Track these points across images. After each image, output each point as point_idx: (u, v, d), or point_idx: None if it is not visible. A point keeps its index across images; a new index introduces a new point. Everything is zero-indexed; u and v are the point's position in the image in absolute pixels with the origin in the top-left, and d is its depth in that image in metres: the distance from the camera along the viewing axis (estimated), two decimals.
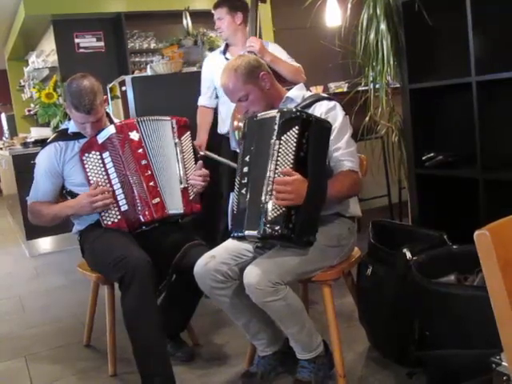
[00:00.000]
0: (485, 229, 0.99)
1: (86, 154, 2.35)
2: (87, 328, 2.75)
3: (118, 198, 2.34)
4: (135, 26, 6.79)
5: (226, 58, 3.18)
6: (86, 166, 2.35)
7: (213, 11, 3.22)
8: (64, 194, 2.45)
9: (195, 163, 2.48)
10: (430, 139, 2.85)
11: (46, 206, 2.39)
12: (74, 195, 2.39)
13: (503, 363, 1.15)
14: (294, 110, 1.90)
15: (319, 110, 2.07)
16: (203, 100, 3.32)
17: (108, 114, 2.50)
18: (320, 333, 2.13)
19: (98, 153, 2.35)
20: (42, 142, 4.55)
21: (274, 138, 1.86)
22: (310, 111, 2.05)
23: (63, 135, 2.46)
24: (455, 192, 2.82)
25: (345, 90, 5.06)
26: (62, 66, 6.53)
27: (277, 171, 1.85)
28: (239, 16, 3.16)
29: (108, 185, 2.34)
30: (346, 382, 2.06)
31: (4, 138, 8.02)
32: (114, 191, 2.34)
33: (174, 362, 2.20)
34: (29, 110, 8.49)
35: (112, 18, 6.71)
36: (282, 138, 1.85)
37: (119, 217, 2.34)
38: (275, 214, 1.84)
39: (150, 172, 2.37)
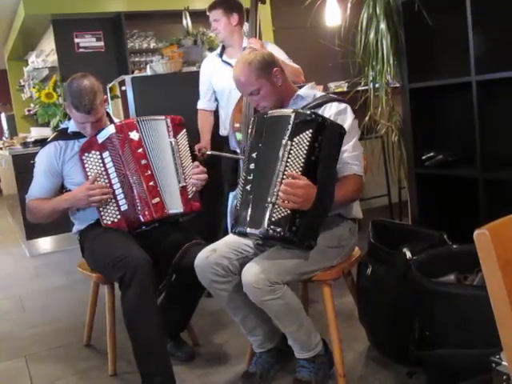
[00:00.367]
0: (484, 228, 0.99)
1: (86, 154, 2.35)
2: (87, 328, 2.75)
3: (118, 198, 2.34)
4: (135, 25, 6.79)
5: (223, 61, 3.18)
6: (86, 165, 2.35)
7: (208, 13, 3.20)
8: (63, 192, 2.45)
9: (192, 161, 2.48)
10: (429, 139, 2.85)
11: (42, 202, 2.39)
12: None
13: (503, 363, 1.15)
14: (309, 112, 1.87)
15: (329, 111, 2.05)
16: (202, 103, 3.32)
17: (108, 114, 2.51)
18: (320, 332, 2.13)
19: (97, 152, 2.35)
20: (41, 142, 4.54)
21: (286, 138, 1.84)
22: (319, 111, 2.03)
23: (63, 134, 2.47)
24: (455, 191, 2.82)
25: (345, 89, 5.07)
26: (61, 66, 6.53)
27: (285, 173, 1.83)
28: (235, 17, 3.15)
29: (108, 184, 2.34)
30: (346, 382, 2.07)
31: (4, 138, 8.02)
32: (113, 191, 2.34)
33: (173, 362, 2.20)
34: (29, 110, 8.48)
35: (112, 17, 6.71)
36: (295, 139, 1.83)
37: (119, 216, 2.35)
38: (280, 216, 1.83)
39: (149, 172, 2.37)
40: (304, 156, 1.82)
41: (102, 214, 2.34)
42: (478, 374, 1.53)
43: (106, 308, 2.40)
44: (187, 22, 5.78)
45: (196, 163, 2.47)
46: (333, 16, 4.90)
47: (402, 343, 2.11)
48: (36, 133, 5.52)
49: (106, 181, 2.35)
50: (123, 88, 3.76)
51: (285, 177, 1.83)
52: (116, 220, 2.35)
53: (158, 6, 6.55)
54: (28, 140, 5.25)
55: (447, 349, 1.83)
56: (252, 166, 1.95)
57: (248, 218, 1.91)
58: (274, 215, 1.83)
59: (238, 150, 2.78)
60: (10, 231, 6.30)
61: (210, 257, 2.02)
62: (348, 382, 2.08)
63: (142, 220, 2.34)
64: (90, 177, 2.33)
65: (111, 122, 2.46)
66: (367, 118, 3.03)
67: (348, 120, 2.05)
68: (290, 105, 2.15)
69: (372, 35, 2.78)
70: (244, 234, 1.96)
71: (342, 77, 5.33)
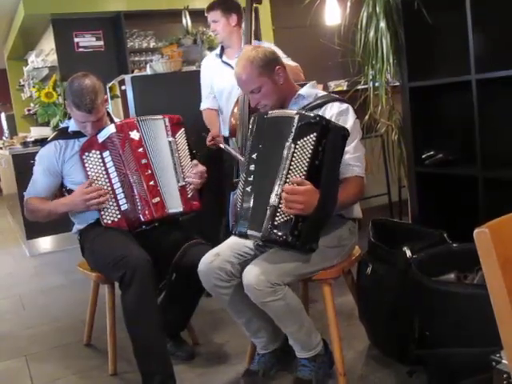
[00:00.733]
0: (484, 227, 0.99)
1: (86, 153, 2.35)
2: (87, 327, 2.75)
3: (118, 198, 2.35)
4: (135, 25, 6.79)
5: (223, 61, 3.17)
6: (86, 164, 2.35)
7: (206, 14, 3.18)
8: (63, 192, 2.45)
9: (191, 160, 2.47)
10: (429, 137, 2.85)
11: (41, 202, 2.39)
12: None
13: (503, 361, 1.15)
14: (313, 114, 1.85)
15: (330, 111, 2.04)
16: (207, 103, 3.29)
17: (109, 114, 2.51)
18: (320, 331, 2.13)
19: (98, 152, 2.35)
20: (41, 142, 4.54)
21: (290, 140, 1.82)
22: (320, 112, 2.02)
23: (63, 134, 2.47)
24: (455, 190, 2.82)
25: (344, 88, 5.06)
26: (61, 66, 6.52)
27: (288, 176, 1.81)
28: (234, 18, 3.13)
29: (108, 184, 2.34)
30: (346, 381, 2.07)
31: (4, 138, 8.02)
32: (114, 190, 2.34)
33: (174, 361, 2.20)
34: (28, 110, 8.48)
35: (111, 17, 6.70)
36: (299, 142, 1.81)
37: (119, 216, 2.35)
38: (282, 220, 1.82)
39: (150, 171, 2.37)
40: (308, 160, 1.80)
41: (102, 213, 2.34)
42: (479, 373, 1.54)
43: (106, 307, 2.40)
44: (187, 21, 5.78)
45: (195, 162, 2.47)
46: (332, 15, 4.90)
47: (402, 342, 2.11)
48: (36, 132, 5.52)
49: (107, 180, 2.35)
50: (123, 87, 3.75)
51: (288, 180, 1.81)
52: (116, 219, 2.35)
53: (158, 6, 6.55)
54: (28, 140, 5.25)
55: (447, 347, 1.83)
56: (252, 167, 1.94)
57: (249, 220, 1.91)
58: (277, 219, 1.82)
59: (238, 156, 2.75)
60: (10, 231, 6.30)
61: (213, 262, 2.01)
62: (348, 381, 2.08)
63: (142, 219, 2.34)
64: (90, 176, 2.33)
65: (111, 121, 2.46)
66: (367, 117, 3.03)
67: (350, 121, 2.03)
68: (291, 104, 2.13)
69: (372, 34, 2.78)
70: (245, 236, 1.96)
71: (341, 76, 5.33)
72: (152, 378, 2.10)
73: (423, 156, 2.81)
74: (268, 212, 1.83)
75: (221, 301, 2.10)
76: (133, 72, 6.14)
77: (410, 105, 2.82)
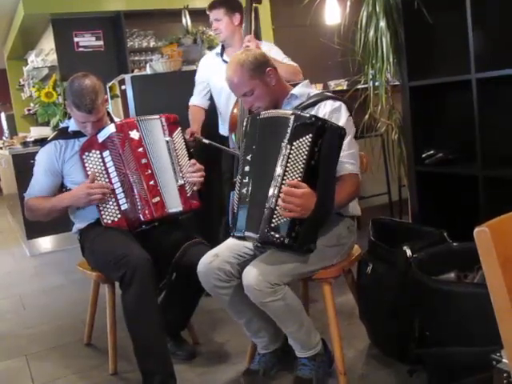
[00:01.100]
0: (484, 226, 0.99)
1: (86, 153, 2.35)
2: (88, 327, 2.75)
3: (118, 197, 2.35)
4: (134, 24, 6.78)
5: (224, 60, 3.17)
6: (86, 164, 2.35)
7: (208, 12, 3.17)
8: (64, 192, 2.45)
9: (189, 159, 2.47)
10: (429, 137, 2.85)
11: (42, 200, 2.39)
12: None
13: (503, 360, 1.15)
14: (308, 115, 1.84)
15: (323, 109, 2.04)
16: (196, 100, 3.29)
17: (109, 113, 2.51)
18: (321, 330, 2.13)
19: (98, 152, 2.35)
20: (41, 142, 4.54)
21: (286, 141, 1.82)
22: (314, 110, 2.03)
23: (63, 134, 2.47)
24: (455, 189, 2.82)
25: (344, 87, 5.06)
26: (61, 65, 6.52)
27: (285, 177, 1.81)
28: (237, 17, 3.13)
29: (108, 183, 2.34)
30: (346, 380, 2.07)
31: (4, 138, 8.02)
32: (114, 190, 2.34)
33: (174, 361, 2.20)
34: (28, 110, 8.48)
35: (111, 16, 6.70)
36: (294, 143, 1.80)
37: (119, 216, 2.35)
38: (279, 222, 1.82)
39: (150, 171, 2.37)
40: (304, 161, 1.80)
41: (103, 213, 2.34)
42: (479, 372, 1.54)
43: (106, 307, 2.40)
44: (187, 20, 5.78)
45: (193, 161, 2.46)
46: (332, 14, 4.90)
47: (402, 341, 2.11)
48: (36, 132, 5.52)
49: (107, 180, 2.35)
50: (123, 87, 3.75)
51: (284, 182, 1.81)
52: (116, 219, 2.35)
53: (158, 5, 6.55)
54: (28, 139, 5.26)
55: (448, 347, 1.83)
56: (247, 168, 1.95)
57: (245, 222, 1.91)
58: (274, 220, 1.82)
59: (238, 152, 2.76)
60: (11, 231, 6.31)
61: (212, 262, 2.02)
62: (349, 380, 2.08)
63: (142, 219, 2.34)
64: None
65: (112, 121, 2.46)
66: (367, 117, 3.02)
67: (342, 118, 2.03)
68: (284, 104, 2.13)
69: (372, 33, 2.77)
70: (242, 238, 1.96)
71: (341, 75, 5.33)
72: (152, 377, 2.10)
73: (423, 155, 2.81)
74: (265, 214, 1.83)
75: (221, 301, 2.10)
76: (133, 71, 6.15)
77: (410, 104, 2.82)
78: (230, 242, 2.11)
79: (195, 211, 2.48)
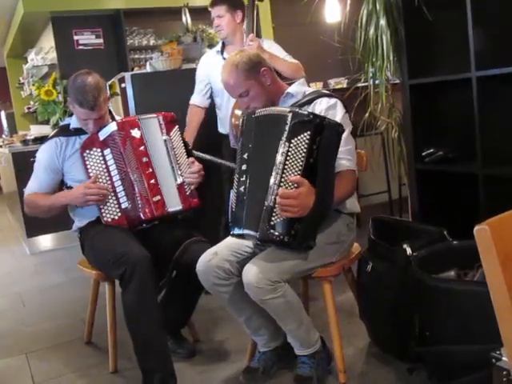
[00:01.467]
0: (484, 224, 0.99)
1: (87, 151, 2.35)
2: (88, 325, 2.75)
3: (119, 195, 2.34)
4: (134, 22, 6.78)
5: (224, 58, 3.16)
6: (87, 162, 2.35)
7: (210, 9, 3.15)
8: (64, 189, 2.45)
9: (187, 157, 2.47)
10: (429, 135, 2.85)
11: (41, 197, 2.39)
12: None
13: (503, 358, 1.15)
14: (306, 112, 1.84)
15: (319, 107, 2.05)
16: (196, 99, 3.28)
17: (110, 112, 2.50)
18: (321, 329, 2.14)
19: (99, 150, 2.35)
20: (41, 140, 4.56)
21: (284, 139, 1.82)
22: (309, 108, 2.03)
23: (65, 131, 2.46)
24: (455, 188, 2.82)
25: (344, 85, 5.06)
26: (61, 63, 6.52)
27: (283, 175, 1.81)
28: (239, 14, 3.12)
29: (109, 182, 2.34)
30: (346, 378, 2.07)
31: (3, 136, 8.01)
32: (114, 188, 2.34)
33: (174, 359, 2.21)
34: (28, 108, 8.48)
35: (111, 14, 6.70)
36: (293, 140, 1.80)
37: (119, 214, 2.35)
38: (278, 220, 1.82)
39: (150, 170, 2.37)
40: (303, 158, 1.80)
41: (103, 211, 2.34)
42: (479, 370, 1.54)
43: (106, 305, 2.40)
44: (187, 18, 5.76)
45: (191, 159, 2.46)
46: (333, 12, 4.90)
47: (402, 339, 2.11)
48: (36, 130, 5.52)
49: (107, 178, 2.35)
50: (123, 85, 3.75)
51: (283, 179, 1.81)
52: (116, 217, 2.34)
53: (158, 3, 6.54)
54: (28, 138, 5.25)
55: (447, 345, 1.83)
56: (244, 167, 1.95)
57: (244, 220, 1.91)
58: (273, 218, 1.82)
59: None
60: (10, 229, 6.31)
61: (211, 260, 2.02)
62: (348, 378, 2.09)
63: (143, 218, 2.34)
64: (90, 174, 2.33)
65: (113, 119, 2.46)
66: (367, 115, 3.02)
67: (338, 115, 2.03)
68: (280, 103, 2.14)
69: (372, 31, 2.77)
70: (241, 236, 1.96)
71: (341, 73, 5.32)
72: (152, 375, 2.10)
73: (423, 153, 2.81)
74: (264, 212, 1.83)
75: (221, 299, 2.10)
76: (132, 70, 6.12)
77: (410, 102, 2.82)
78: (230, 240, 2.11)
79: (195, 210, 2.48)
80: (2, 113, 9.45)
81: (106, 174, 2.35)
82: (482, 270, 1.88)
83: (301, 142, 1.80)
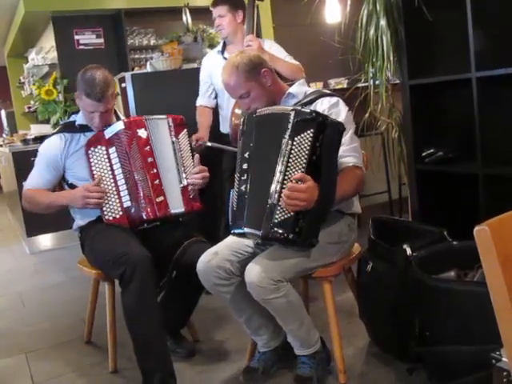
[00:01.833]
0: (485, 224, 0.99)
1: (92, 148, 2.35)
2: (87, 324, 2.75)
3: (122, 194, 2.34)
4: (135, 22, 6.77)
5: (225, 58, 3.16)
6: (91, 160, 2.35)
7: (211, 9, 3.16)
8: (63, 185, 2.45)
9: (192, 161, 2.47)
10: (429, 135, 2.85)
11: (41, 194, 2.39)
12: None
13: (503, 359, 1.15)
14: (309, 110, 1.85)
15: (321, 106, 2.05)
16: (202, 100, 3.29)
17: (115, 111, 2.50)
18: (321, 329, 2.14)
19: (104, 148, 2.35)
20: (41, 139, 4.54)
21: (287, 137, 1.82)
22: (311, 108, 2.03)
23: (70, 127, 2.46)
24: (455, 188, 2.82)
25: (345, 86, 5.06)
26: (61, 63, 6.51)
27: (287, 173, 1.81)
28: (240, 14, 3.13)
29: (112, 180, 2.34)
30: (346, 378, 2.07)
31: (4, 135, 8.01)
32: (117, 187, 2.34)
33: (174, 359, 2.21)
34: (29, 107, 8.47)
35: (112, 14, 6.69)
36: (296, 139, 1.81)
37: (121, 213, 2.34)
38: (282, 218, 1.82)
39: (155, 170, 2.37)
40: (306, 156, 1.80)
41: (104, 209, 2.34)
42: (478, 371, 1.54)
43: (106, 305, 2.40)
44: (187, 18, 5.76)
45: (197, 160, 2.46)
46: (333, 13, 4.90)
47: (402, 339, 2.11)
48: (36, 130, 5.53)
49: (111, 176, 2.34)
50: (123, 85, 3.75)
51: (287, 177, 1.81)
52: (118, 216, 2.34)
53: (158, 3, 6.54)
54: (28, 137, 5.25)
55: (447, 345, 1.83)
56: (245, 165, 1.95)
57: (245, 219, 1.91)
58: (276, 216, 1.82)
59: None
60: (11, 228, 6.31)
61: (212, 260, 2.02)
62: (348, 378, 2.09)
63: (145, 217, 2.34)
64: (94, 171, 2.33)
65: (118, 119, 2.46)
66: (367, 115, 3.02)
67: (342, 113, 2.04)
68: (281, 103, 2.14)
69: (372, 32, 2.77)
70: (242, 235, 1.96)
71: (342, 73, 5.32)
72: (152, 375, 2.10)
73: (423, 154, 2.81)
74: (267, 210, 1.83)
75: (222, 299, 2.10)
76: (133, 69, 6.12)
77: (411, 102, 2.82)
78: (230, 239, 2.11)
79: (196, 211, 2.48)
80: (3, 112, 9.44)
81: (110, 173, 2.35)
82: (481, 271, 1.88)
83: (304, 140, 1.81)
